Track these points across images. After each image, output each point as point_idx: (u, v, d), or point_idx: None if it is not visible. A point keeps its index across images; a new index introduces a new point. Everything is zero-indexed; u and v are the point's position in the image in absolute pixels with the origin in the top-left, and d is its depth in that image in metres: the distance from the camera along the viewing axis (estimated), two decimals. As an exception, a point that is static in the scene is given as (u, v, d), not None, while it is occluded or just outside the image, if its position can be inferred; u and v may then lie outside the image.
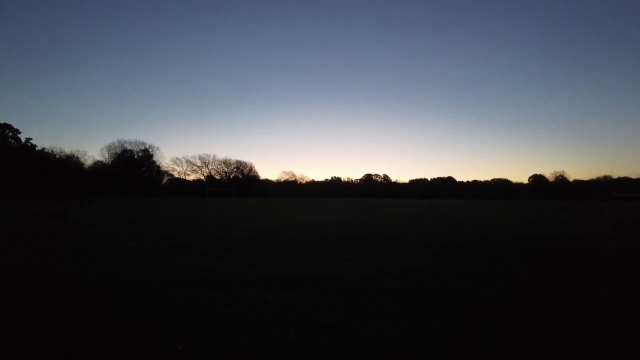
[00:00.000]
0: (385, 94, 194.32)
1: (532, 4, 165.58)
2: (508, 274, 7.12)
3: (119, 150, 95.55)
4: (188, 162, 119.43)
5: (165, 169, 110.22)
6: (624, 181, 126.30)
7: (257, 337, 3.94)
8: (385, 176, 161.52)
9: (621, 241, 12.39)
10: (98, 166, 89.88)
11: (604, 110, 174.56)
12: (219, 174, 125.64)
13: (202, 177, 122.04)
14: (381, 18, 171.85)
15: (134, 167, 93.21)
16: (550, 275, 7.08)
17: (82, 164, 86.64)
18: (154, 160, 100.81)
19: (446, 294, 5.70)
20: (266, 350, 3.63)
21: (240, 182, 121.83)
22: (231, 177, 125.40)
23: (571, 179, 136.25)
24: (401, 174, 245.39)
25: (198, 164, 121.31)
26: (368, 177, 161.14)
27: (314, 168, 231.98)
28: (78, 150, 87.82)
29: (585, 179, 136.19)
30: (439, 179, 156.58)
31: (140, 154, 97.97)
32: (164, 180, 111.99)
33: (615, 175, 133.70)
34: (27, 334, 4.04)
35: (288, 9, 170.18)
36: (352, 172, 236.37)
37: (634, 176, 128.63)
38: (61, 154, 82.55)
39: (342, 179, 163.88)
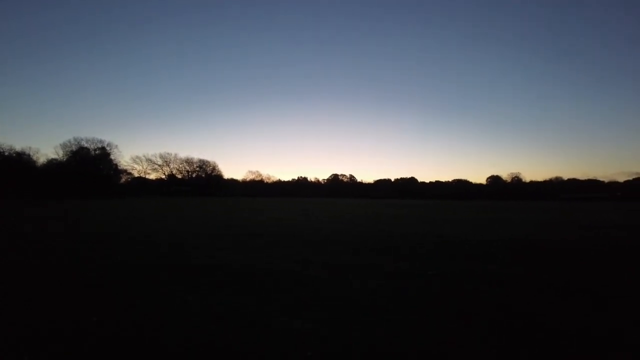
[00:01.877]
0: (351, 95, 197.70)
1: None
2: (500, 274, 7.25)
3: (74, 148, 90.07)
4: (148, 160, 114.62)
5: (125, 167, 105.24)
6: (572, 183, 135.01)
7: (253, 336, 4.07)
8: (352, 176, 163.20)
9: (611, 241, 12.78)
10: (53, 164, 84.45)
11: (557, 114, 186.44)
12: (181, 173, 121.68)
13: (164, 176, 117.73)
14: (353, 18, 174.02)
15: (90, 165, 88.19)
16: (543, 274, 7.28)
17: (34, 162, 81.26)
18: (111, 159, 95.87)
19: (438, 292, 5.90)
20: (259, 349, 3.74)
21: (203, 182, 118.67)
22: (194, 176, 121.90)
23: (527, 180, 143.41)
24: (366, 175, 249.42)
25: (159, 163, 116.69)
26: (334, 177, 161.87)
27: (280, 168, 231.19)
28: (30, 148, 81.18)
29: (540, 180, 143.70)
30: (402, 179, 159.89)
31: (97, 152, 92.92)
32: (123, 180, 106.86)
33: (565, 177, 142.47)
34: (27, 334, 3.96)
35: (256, 7, 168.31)
36: (318, 172, 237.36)
37: (582, 177, 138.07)
38: (11, 151, 77.04)
39: (308, 179, 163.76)
